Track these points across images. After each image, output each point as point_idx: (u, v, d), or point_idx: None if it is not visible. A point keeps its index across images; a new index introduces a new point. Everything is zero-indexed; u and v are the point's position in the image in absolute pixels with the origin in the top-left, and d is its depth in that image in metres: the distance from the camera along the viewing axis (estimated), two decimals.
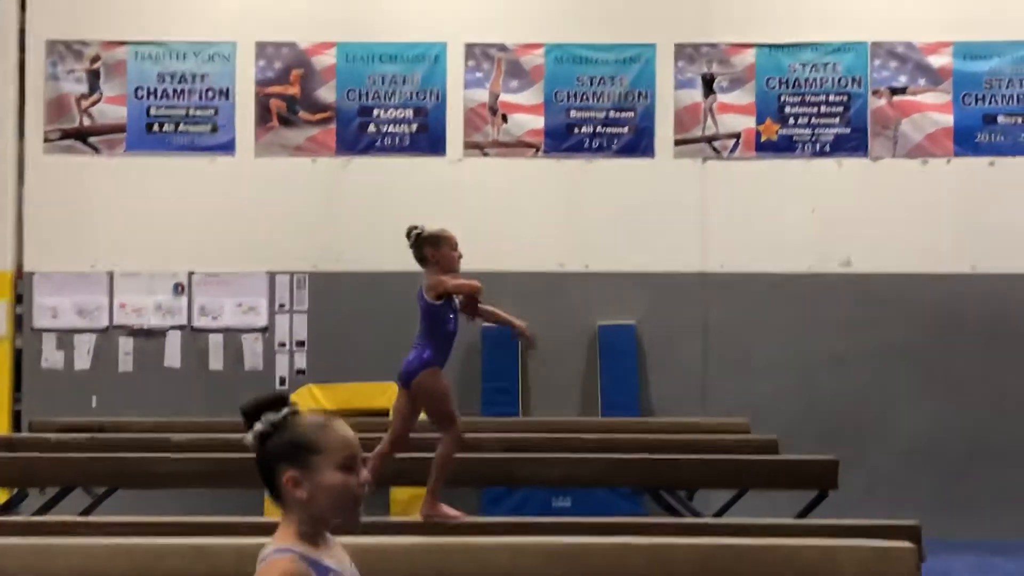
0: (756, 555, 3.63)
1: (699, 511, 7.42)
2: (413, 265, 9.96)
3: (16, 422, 10.13)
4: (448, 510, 5.26)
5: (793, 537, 4.24)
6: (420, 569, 3.58)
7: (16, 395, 10.28)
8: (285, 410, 2.70)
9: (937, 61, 10.21)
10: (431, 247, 5.48)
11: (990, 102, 10.23)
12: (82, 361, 10.16)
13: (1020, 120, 10.23)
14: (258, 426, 2.69)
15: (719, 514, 7.39)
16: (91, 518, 6.05)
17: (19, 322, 10.32)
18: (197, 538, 3.70)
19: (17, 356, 10.30)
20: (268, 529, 4.91)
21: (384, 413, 9.71)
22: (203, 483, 7.05)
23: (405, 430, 5.45)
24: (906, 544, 3.66)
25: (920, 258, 10.13)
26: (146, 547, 3.61)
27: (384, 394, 9.86)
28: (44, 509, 6.95)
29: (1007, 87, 10.23)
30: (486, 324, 9.88)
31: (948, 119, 10.21)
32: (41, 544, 3.62)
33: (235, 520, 5.24)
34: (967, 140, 10.21)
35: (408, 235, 5.57)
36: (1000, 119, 10.24)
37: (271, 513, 9.35)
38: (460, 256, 5.61)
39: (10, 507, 7.07)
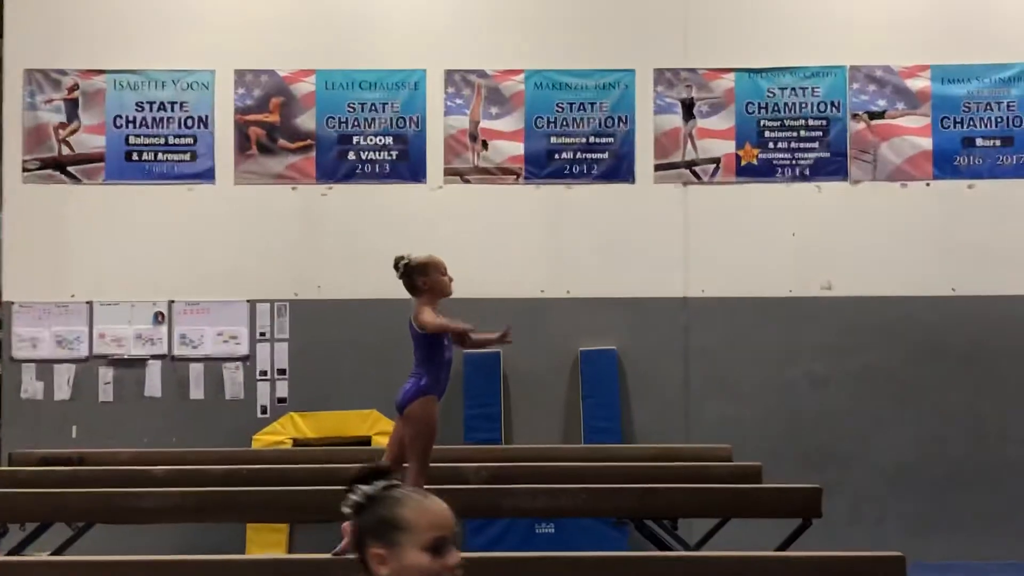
0: None
1: (682, 539, 7.39)
2: (395, 293, 9.91)
3: None
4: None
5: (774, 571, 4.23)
6: None
7: None
8: (381, 483, 2.65)
9: (915, 84, 10.24)
10: (420, 275, 5.42)
11: (968, 125, 10.26)
12: (62, 391, 10.10)
13: (998, 143, 10.26)
14: (352, 496, 2.64)
15: (702, 542, 7.37)
16: (70, 557, 5.99)
17: None
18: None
19: None
20: (246, 566, 4.88)
21: (367, 441, 9.71)
22: (185, 518, 7.01)
23: (401, 458, 5.32)
24: None
25: (901, 281, 10.15)
26: None
27: (366, 422, 9.86)
28: (24, 544, 6.91)
29: (985, 110, 10.25)
30: (469, 351, 9.92)
31: (927, 142, 10.23)
32: None
33: (218, 559, 5.18)
34: (946, 163, 10.23)
35: (396, 266, 5.52)
36: (979, 142, 10.26)
37: (252, 551, 9.34)
38: (451, 279, 5.54)
39: None
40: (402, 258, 5.50)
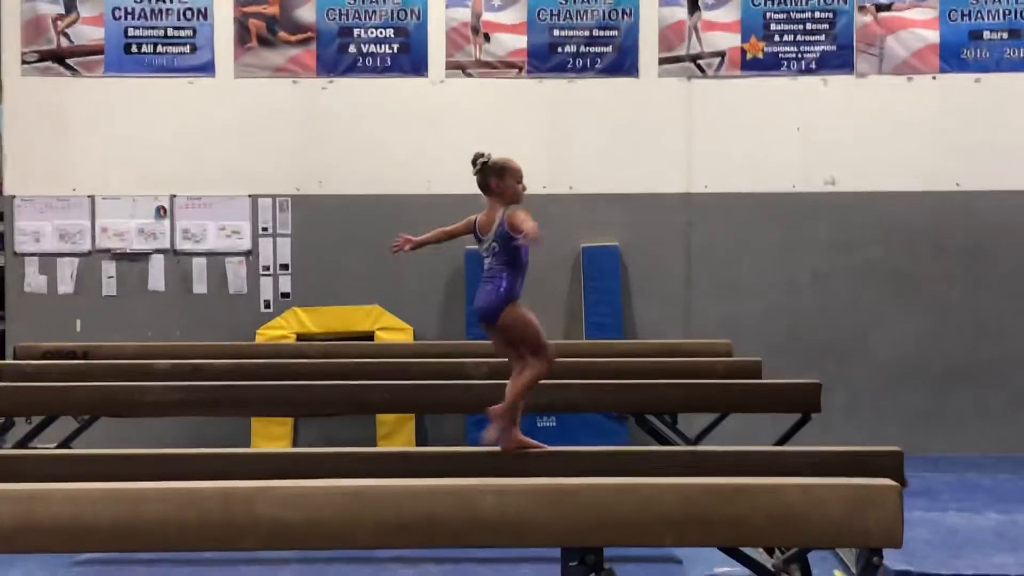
0: (741, 497, 3.63)
1: (682, 432, 7.46)
2: (396, 188, 10.06)
3: (1, 345, 10.15)
4: (529, 440, 5.09)
5: (776, 472, 4.28)
6: (404, 514, 3.58)
7: (0, 319, 10.29)
8: None
9: None
10: (496, 177, 5.24)
11: (976, 18, 10.17)
12: (65, 285, 10.14)
13: (1006, 35, 10.18)
14: None
15: (702, 436, 7.43)
16: (76, 451, 6.04)
17: (0, 246, 10.29)
18: (183, 484, 3.68)
19: (1, 281, 10.29)
20: (259, 463, 4.92)
21: (370, 336, 9.77)
22: (188, 411, 7.03)
23: (523, 357, 5.00)
24: (888, 483, 3.67)
25: (905, 176, 10.14)
26: (130, 493, 3.60)
27: (369, 317, 9.92)
28: (31, 436, 6.98)
29: (993, 2, 10.15)
30: (471, 246, 9.92)
31: (934, 35, 10.15)
32: (28, 491, 3.61)
33: (220, 452, 5.22)
34: (953, 56, 10.17)
35: (474, 162, 5.34)
36: (986, 35, 10.18)
37: (257, 443, 9.44)
38: (524, 188, 5.40)
39: None
40: (481, 155, 5.32)
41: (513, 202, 5.19)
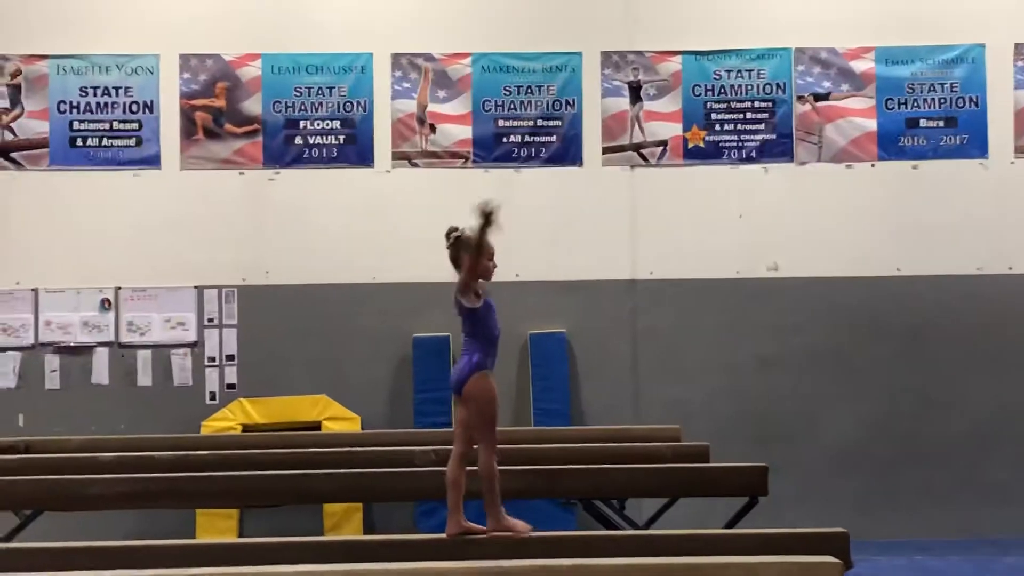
0: (682, 574, 3.63)
1: (630, 518, 7.43)
2: (343, 278, 10.04)
3: None
4: (516, 522, 5.05)
5: (720, 554, 4.25)
6: None
7: None
8: None
9: (860, 66, 10.32)
10: (467, 252, 5.25)
11: (912, 106, 10.35)
12: (7, 380, 10.03)
13: (942, 123, 10.36)
14: None
15: (651, 522, 7.40)
16: (15, 544, 5.95)
17: None
18: (124, 571, 3.63)
19: None
20: (197, 553, 4.86)
21: (317, 426, 9.71)
22: (134, 504, 6.97)
23: (469, 441, 5.07)
24: (830, 560, 3.68)
25: (846, 262, 10.25)
26: None
27: (316, 407, 9.85)
28: None
29: (929, 91, 10.35)
30: (418, 334, 9.93)
31: (872, 124, 10.33)
32: None
33: (163, 544, 5.16)
34: (891, 144, 10.33)
35: (448, 235, 5.35)
36: (923, 123, 10.36)
37: (203, 536, 9.30)
38: (495, 266, 5.37)
39: None
40: (455, 229, 5.30)
41: (483, 277, 5.20)
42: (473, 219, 5.14)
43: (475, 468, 5.06)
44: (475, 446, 5.11)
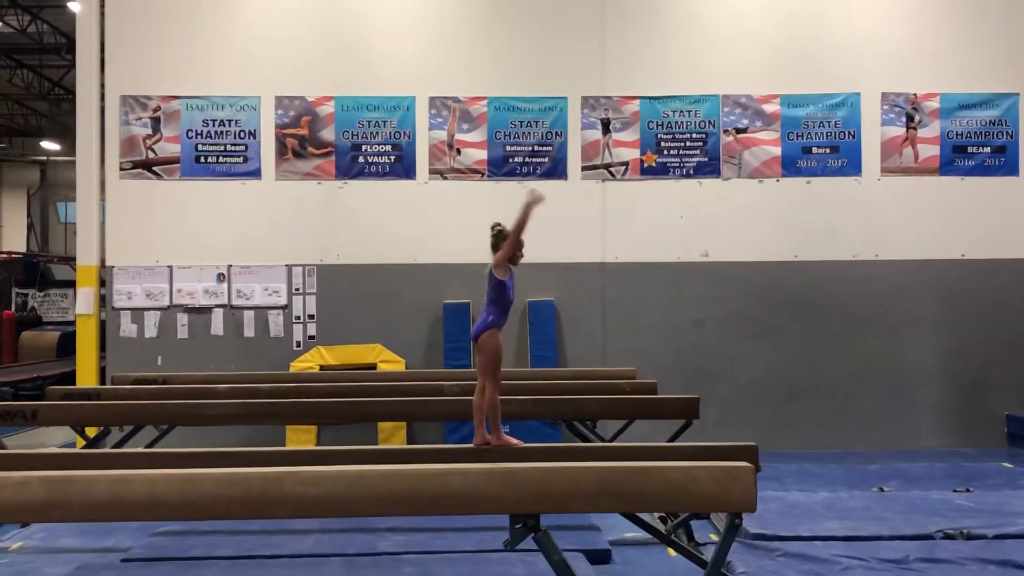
0: (639, 476, 3.62)
1: (600, 435, 7.44)
2: (392, 259, 10.04)
3: (102, 377, 10.02)
4: (511, 439, 5.02)
5: (666, 460, 4.25)
6: (394, 489, 3.55)
7: (101, 356, 10.16)
8: None
9: (769, 108, 10.28)
10: (504, 242, 5.22)
11: (807, 137, 10.31)
12: (150, 331, 10.04)
13: (828, 151, 10.33)
14: None
15: (615, 437, 7.41)
16: (156, 450, 5.97)
17: (103, 303, 10.19)
18: (232, 468, 3.63)
19: (102, 328, 10.18)
20: (290, 457, 4.87)
21: (373, 366, 9.72)
22: (240, 421, 6.97)
23: (498, 376, 4.99)
24: (746, 465, 3.67)
25: (757, 250, 10.23)
26: (191, 476, 3.55)
27: (372, 352, 9.87)
28: (122, 442, 6.88)
29: (819, 127, 10.31)
30: (447, 301, 9.92)
31: (777, 150, 10.29)
32: (119, 475, 3.55)
33: (263, 450, 5.16)
34: (791, 165, 10.30)
35: (492, 228, 5.32)
36: (814, 150, 10.32)
37: (291, 444, 9.33)
38: (522, 256, 5.32)
39: (96, 441, 6.97)
40: (497, 224, 5.28)
41: (512, 262, 5.16)
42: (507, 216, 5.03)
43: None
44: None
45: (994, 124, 10.34)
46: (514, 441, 5.04)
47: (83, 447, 6.79)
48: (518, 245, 5.14)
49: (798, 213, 10.23)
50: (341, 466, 3.72)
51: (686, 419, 6.63)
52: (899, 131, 10.30)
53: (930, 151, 10.31)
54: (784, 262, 10.20)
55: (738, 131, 10.28)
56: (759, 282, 10.19)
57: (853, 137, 10.30)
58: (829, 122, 10.29)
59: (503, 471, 3.65)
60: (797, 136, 10.29)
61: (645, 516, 4.67)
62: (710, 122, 10.26)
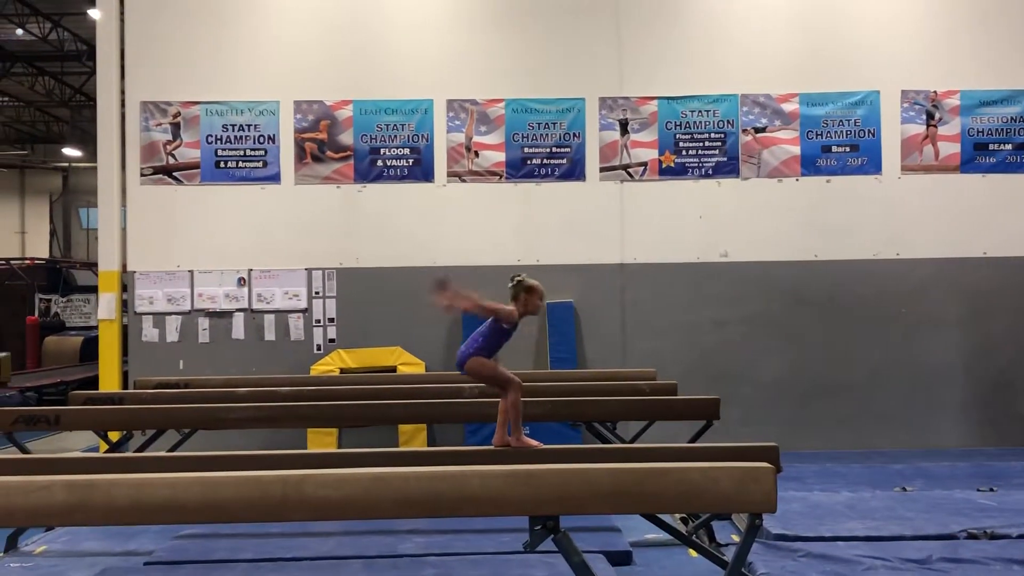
0: (658, 477, 3.61)
1: (620, 436, 7.43)
2: (411, 262, 10.06)
3: (124, 381, 10.09)
4: (531, 441, 5.03)
5: (685, 460, 4.24)
6: (414, 492, 3.56)
7: (124, 361, 10.23)
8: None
9: (788, 107, 10.23)
10: (526, 293, 5.20)
11: (826, 136, 10.26)
12: (172, 335, 10.10)
13: (848, 149, 10.27)
14: None
15: (635, 438, 7.41)
16: (177, 454, 6.00)
17: (125, 307, 10.26)
18: (253, 472, 3.65)
19: (124, 333, 10.25)
20: (311, 460, 4.89)
21: (393, 369, 9.74)
22: (261, 425, 7.01)
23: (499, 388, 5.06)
24: (766, 465, 3.66)
25: (777, 250, 10.19)
26: (212, 480, 3.57)
27: (392, 355, 9.89)
28: (144, 446, 6.92)
29: (838, 125, 10.26)
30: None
31: (796, 149, 10.24)
32: (141, 480, 3.58)
33: (284, 453, 5.19)
34: (810, 164, 10.25)
35: (512, 279, 5.27)
36: (834, 149, 10.27)
37: (312, 447, 9.37)
38: (542, 304, 5.29)
39: (119, 445, 7.02)
40: (518, 275, 5.24)
41: (531, 313, 5.13)
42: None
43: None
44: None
45: (1016, 121, 10.26)
46: (533, 443, 5.05)
47: (105, 451, 6.84)
48: (539, 296, 5.06)
49: (818, 212, 10.18)
50: (360, 468, 3.72)
51: (706, 420, 6.60)
52: (919, 129, 10.24)
53: (951, 148, 10.25)
54: (804, 261, 10.15)
55: (757, 130, 10.24)
56: (779, 282, 10.14)
57: (873, 135, 10.24)
58: (848, 120, 10.24)
59: (522, 473, 3.65)
60: (816, 135, 10.24)
61: (666, 517, 4.66)
62: (728, 122, 10.23)
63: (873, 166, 10.25)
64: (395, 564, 5.63)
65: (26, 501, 3.53)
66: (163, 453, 6.33)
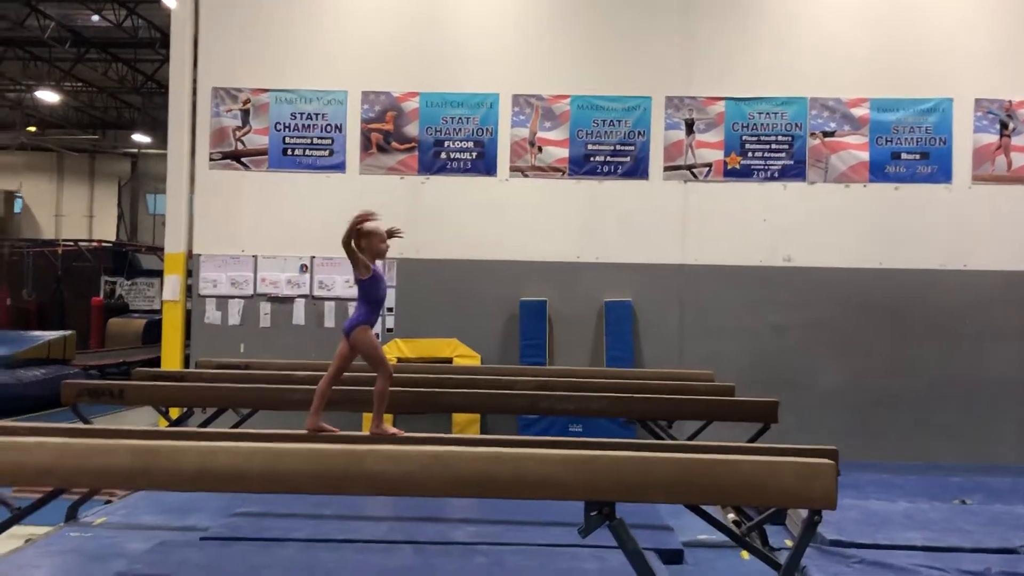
0: (717, 467, 3.59)
1: (675, 436, 7.38)
2: (472, 255, 10.10)
3: (186, 363, 10.26)
4: (391, 428, 4.84)
5: (744, 455, 4.21)
6: (470, 471, 3.58)
7: (187, 343, 10.41)
8: None
9: (858, 112, 10.11)
10: (364, 239, 5.04)
11: (896, 143, 10.12)
12: (234, 319, 10.26)
13: (918, 156, 10.12)
14: None
15: (691, 438, 7.35)
16: (238, 430, 6.08)
17: (189, 290, 10.44)
18: (313, 444, 3.70)
19: (188, 315, 10.43)
20: (367, 439, 4.93)
21: (449, 360, 9.79)
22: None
23: (340, 370, 4.92)
24: (827, 461, 3.62)
25: (842, 256, 10.07)
26: (276, 449, 3.62)
27: (449, 346, 9.93)
28: (205, 424, 7.02)
29: (909, 132, 10.11)
30: (524, 298, 9.94)
31: (865, 155, 10.11)
32: (205, 446, 3.64)
33: (342, 434, 5.24)
34: (879, 171, 10.12)
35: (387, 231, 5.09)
36: (903, 156, 10.13)
37: (367, 430, 9.44)
38: (387, 248, 5.13)
39: (180, 421, 7.14)
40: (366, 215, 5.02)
41: (379, 256, 4.97)
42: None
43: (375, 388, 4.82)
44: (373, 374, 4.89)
45: None
46: (394, 430, 4.87)
47: (166, 428, 6.95)
48: (379, 239, 4.90)
49: (885, 219, 10.04)
50: (420, 446, 3.75)
51: (764, 422, 6.52)
52: (992, 138, 10.05)
53: None
54: (869, 269, 10.02)
55: (825, 134, 10.13)
56: (842, 288, 10.02)
57: (944, 144, 10.07)
58: (920, 128, 10.08)
59: (579, 458, 3.64)
60: (886, 141, 10.10)
61: (718, 517, 4.61)
62: (796, 125, 10.13)
63: (943, 175, 10.08)
64: (447, 551, 5.65)
65: (92, 463, 3.61)
66: (225, 429, 6.42)
